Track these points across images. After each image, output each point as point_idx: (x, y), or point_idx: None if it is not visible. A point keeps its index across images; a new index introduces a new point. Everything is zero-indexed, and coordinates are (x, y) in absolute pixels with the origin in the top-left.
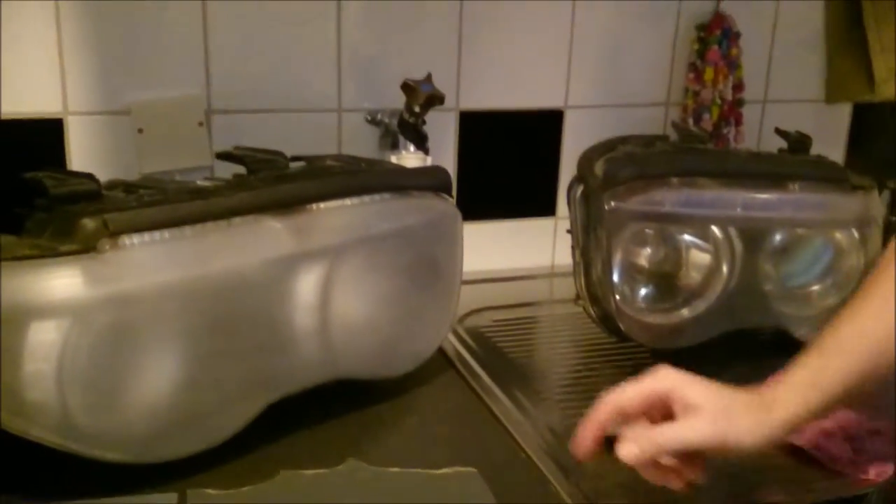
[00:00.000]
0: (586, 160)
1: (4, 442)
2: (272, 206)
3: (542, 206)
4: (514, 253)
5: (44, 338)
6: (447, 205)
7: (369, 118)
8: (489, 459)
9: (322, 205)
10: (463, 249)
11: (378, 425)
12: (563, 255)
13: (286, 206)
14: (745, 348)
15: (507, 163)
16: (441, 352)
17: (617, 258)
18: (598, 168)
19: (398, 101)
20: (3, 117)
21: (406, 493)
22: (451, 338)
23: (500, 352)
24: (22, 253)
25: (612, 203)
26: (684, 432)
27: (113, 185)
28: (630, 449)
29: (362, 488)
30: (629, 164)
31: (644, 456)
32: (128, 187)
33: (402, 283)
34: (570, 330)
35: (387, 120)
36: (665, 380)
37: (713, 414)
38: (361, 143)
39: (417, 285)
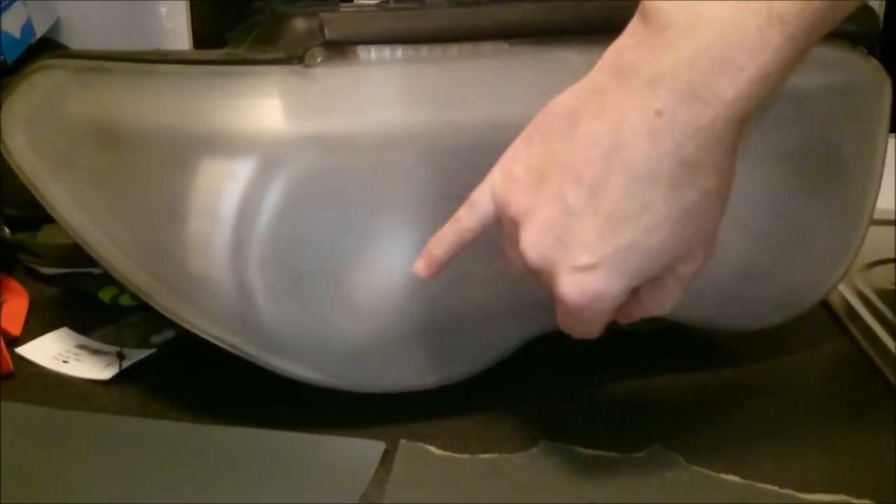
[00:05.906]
0: None
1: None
2: (572, 29)
3: None
4: None
5: (218, 183)
6: (869, 64)
7: None
8: None
9: None
10: (887, 140)
11: (709, 403)
12: None
13: (593, 31)
14: None
15: None
16: (825, 306)
17: None
18: None
19: None
20: None
21: None
22: (844, 288)
23: None
24: (199, 58)
25: None
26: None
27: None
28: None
29: (671, 491)
30: None
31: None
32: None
33: (780, 180)
34: None
35: None
36: None
37: None
38: None
39: (804, 187)
